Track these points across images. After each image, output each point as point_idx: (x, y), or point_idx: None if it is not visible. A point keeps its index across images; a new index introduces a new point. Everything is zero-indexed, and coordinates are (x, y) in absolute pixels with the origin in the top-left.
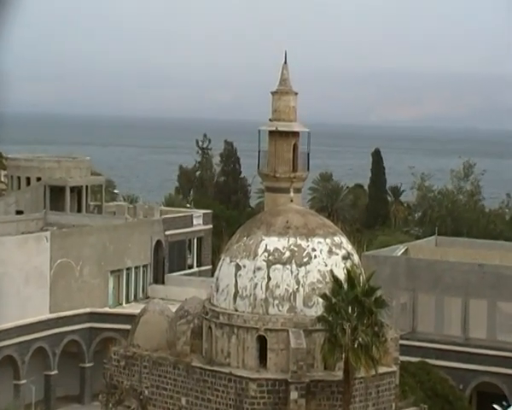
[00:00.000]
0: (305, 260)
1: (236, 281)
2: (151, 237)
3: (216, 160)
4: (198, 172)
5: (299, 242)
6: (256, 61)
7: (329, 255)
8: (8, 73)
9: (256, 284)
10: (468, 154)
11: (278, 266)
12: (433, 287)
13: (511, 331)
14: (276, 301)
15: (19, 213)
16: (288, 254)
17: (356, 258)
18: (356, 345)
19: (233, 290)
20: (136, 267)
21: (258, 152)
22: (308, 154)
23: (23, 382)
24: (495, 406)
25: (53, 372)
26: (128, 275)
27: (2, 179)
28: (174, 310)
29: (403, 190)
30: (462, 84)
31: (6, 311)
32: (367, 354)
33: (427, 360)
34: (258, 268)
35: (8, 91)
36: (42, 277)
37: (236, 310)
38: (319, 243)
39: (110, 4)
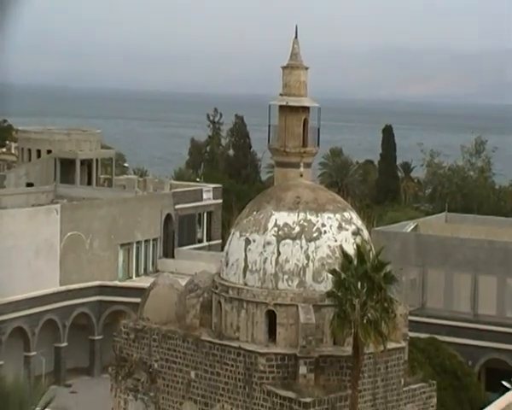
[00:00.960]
0: (314, 235)
1: (246, 255)
2: (161, 211)
3: (226, 134)
4: (208, 147)
5: (308, 217)
6: (267, 36)
7: (339, 231)
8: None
9: (266, 259)
10: (479, 130)
11: (288, 241)
12: (443, 263)
13: None
14: (286, 276)
15: (29, 185)
16: (297, 229)
17: (365, 234)
18: (365, 321)
19: (243, 265)
20: (146, 241)
21: (269, 127)
22: (318, 129)
23: (33, 354)
24: (504, 382)
25: (63, 344)
26: (138, 248)
27: (13, 151)
28: (184, 284)
29: (413, 167)
30: (474, 61)
31: (16, 283)
32: (376, 329)
33: (437, 336)
34: (268, 243)
35: (17, 63)
36: (52, 249)
37: (246, 284)
38: (329, 218)
39: None
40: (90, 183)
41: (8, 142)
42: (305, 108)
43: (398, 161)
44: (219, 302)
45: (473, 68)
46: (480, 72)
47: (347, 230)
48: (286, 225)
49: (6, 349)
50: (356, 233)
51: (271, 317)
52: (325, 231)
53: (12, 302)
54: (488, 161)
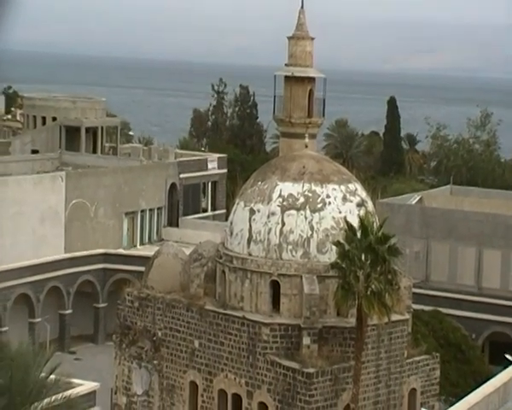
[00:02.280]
0: (319, 206)
1: (250, 226)
2: (166, 180)
3: (229, 104)
4: (213, 116)
5: (313, 188)
6: (273, 6)
7: (344, 202)
8: (21, 12)
9: (270, 229)
10: (485, 103)
11: (292, 211)
12: (447, 236)
13: None
14: (290, 247)
15: (34, 152)
16: (302, 199)
17: (370, 205)
18: (369, 292)
19: (247, 235)
20: (151, 210)
21: (274, 97)
22: (324, 100)
23: (38, 320)
24: (507, 355)
25: (67, 311)
26: (142, 217)
27: (18, 118)
28: (188, 253)
29: (418, 141)
30: (478, 34)
31: (21, 250)
32: (380, 301)
33: (440, 309)
34: (273, 213)
35: (21, 31)
36: (57, 216)
37: (250, 255)
38: (334, 189)
39: None
40: (95, 151)
41: (13, 108)
42: (311, 79)
43: (403, 134)
44: (223, 272)
45: (479, 41)
46: (486, 45)
47: (352, 201)
48: (290, 195)
49: (11, 316)
50: (360, 205)
51: (275, 287)
52: (330, 203)
53: (17, 269)
54: (493, 134)
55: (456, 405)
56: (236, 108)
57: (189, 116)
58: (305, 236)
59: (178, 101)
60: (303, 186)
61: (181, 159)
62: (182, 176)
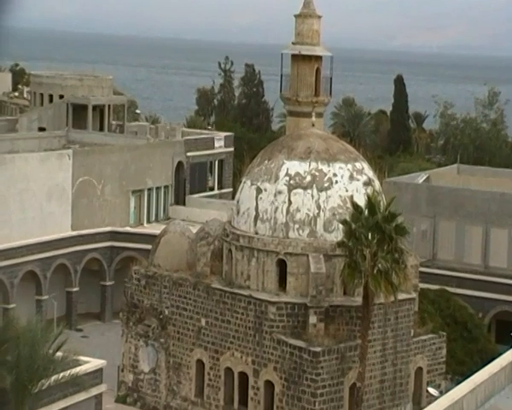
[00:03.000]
0: (326, 185)
1: (257, 204)
2: (172, 158)
3: (238, 82)
4: (220, 95)
5: (320, 166)
6: None
7: (350, 181)
8: None
9: (277, 208)
10: (493, 81)
11: (299, 190)
12: (454, 215)
13: None
14: (297, 226)
15: (41, 129)
16: (309, 178)
17: (377, 184)
18: (375, 271)
19: (253, 213)
20: (158, 188)
21: (281, 76)
22: (331, 78)
23: (45, 297)
24: None
25: (74, 289)
26: (149, 195)
27: (25, 96)
28: (195, 231)
29: (426, 116)
30: (487, 12)
31: (28, 227)
32: (386, 280)
33: (447, 288)
34: (279, 192)
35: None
36: (64, 194)
37: (257, 233)
38: (340, 168)
39: None
40: (101, 129)
41: (20, 86)
42: (318, 58)
43: (411, 112)
44: (230, 251)
45: (487, 19)
46: (495, 22)
47: (359, 180)
48: (297, 174)
49: (18, 293)
50: (367, 184)
51: (282, 266)
52: (336, 181)
53: (24, 246)
54: (501, 112)
55: (463, 384)
56: (243, 87)
57: (193, 94)
58: (311, 214)
59: (182, 79)
60: (310, 165)
61: (188, 137)
62: (189, 154)
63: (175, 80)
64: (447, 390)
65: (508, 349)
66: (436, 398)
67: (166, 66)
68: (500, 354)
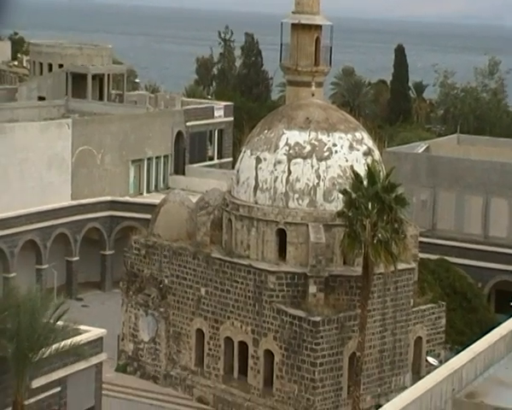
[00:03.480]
0: (325, 154)
1: (257, 174)
2: (172, 128)
3: (237, 52)
4: (220, 64)
5: (320, 136)
6: None
7: (350, 151)
8: None
9: (276, 178)
10: (494, 51)
11: (299, 160)
12: (454, 185)
13: None
14: (297, 195)
15: (41, 99)
16: (308, 148)
17: (377, 154)
18: (375, 241)
19: (253, 183)
20: (157, 157)
21: (281, 45)
22: (330, 48)
23: (45, 266)
24: None
25: (74, 258)
26: (149, 165)
27: (25, 65)
28: (194, 201)
29: (426, 86)
30: None
31: (28, 196)
32: (386, 249)
33: (447, 258)
34: (279, 162)
35: None
36: (63, 163)
37: (256, 203)
38: (340, 138)
39: None
40: (101, 98)
41: (19, 55)
42: (318, 27)
43: (411, 82)
44: (230, 220)
45: None
46: None
47: (358, 150)
48: (297, 144)
49: (18, 262)
50: (367, 153)
51: (282, 235)
52: (336, 151)
53: (24, 215)
54: (501, 82)
55: (462, 353)
56: (243, 56)
57: (191, 63)
58: (311, 184)
59: (180, 48)
60: (309, 135)
61: (187, 107)
62: (188, 124)
63: (173, 49)
64: (446, 360)
65: (507, 319)
66: (435, 367)
67: (164, 35)
68: (499, 324)
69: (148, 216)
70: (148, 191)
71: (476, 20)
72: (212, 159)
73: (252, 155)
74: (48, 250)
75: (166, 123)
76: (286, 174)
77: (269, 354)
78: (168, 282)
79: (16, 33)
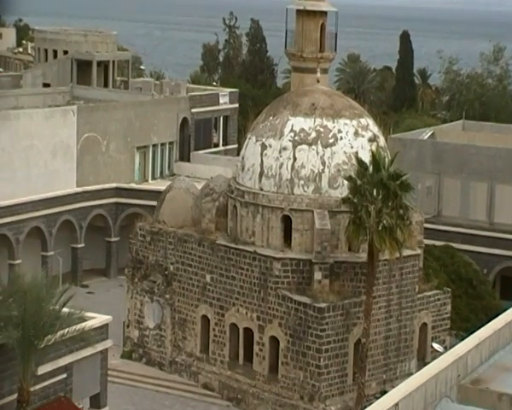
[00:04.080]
0: (330, 141)
1: (262, 160)
2: (177, 115)
3: (243, 39)
4: (225, 51)
5: (325, 123)
6: None
7: (355, 137)
8: None
9: (282, 164)
10: (499, 37)
11: (304, 146)
12: (460, 171)
13: None
14: (302, 182)
15: (45, 85)
16: (313, 134)
17: (382, 140)
18: (380, 227)
19: (258, 170)
20: (162, 144)
21: (286, 32)
22: (336, 34)
23: (50, 253)
24: None
25: (80, 245)
26: (154, 152)
27: (30, 51)
28: (199, 188)
29: (430, 73)
30: None
31: (33, 183)
32: (391, 236)
33: (452, 244)
34: (284, 148)
35: None
36: (69, 151)
37: (262, 189)
38: (345, 124)
39: None
40: (106, 85)
41: (24, 41)
42: (323, 13)
43: (416, 68)
44: (235, 207)
45: None
46: None
47: (364, 136)
48: (302, 130)
49: (24, 249)
50: (372, 140)
51: (287, 222)
52: (341, 138)
53: (29, 202)
54: (506, 68)
55: (467, 339)
56: (248, 43)
57: (195, 50)
58: (316, 171)
59: (184, 35)
60: (314, 121)
61: (192, 93)
62: (193, 110)
63: (177, 36)
64: (451, 346)
65: None
66: (441, 354)
67: (168, 22)
68: (505, 310)
69: (154, 203)
70: (154, 178)
71: (480, 5)
72: (217, 146)
73: (257, 141)
74: (53, 237)
75: (171, 110)
76: (291, 161)
77: (274, 341)
78: (173, 269)
79: (21, 20)
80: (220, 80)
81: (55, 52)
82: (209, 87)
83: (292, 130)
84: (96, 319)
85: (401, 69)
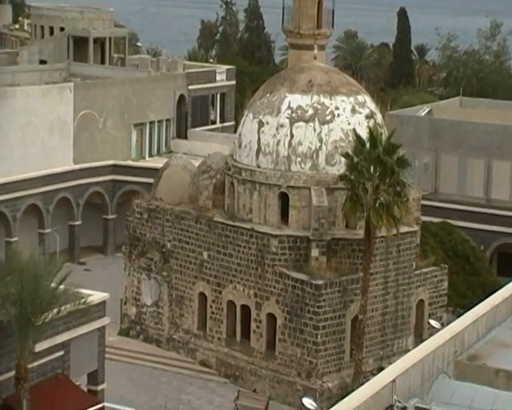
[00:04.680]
0: (328, 118)
1: (259, 137)
2: (174, 92)
3: (240, 15)
4: (221, 28)
5: (322, 100)
6: None
7: (353, 114)
8: None
9: (279, 141)
10: (496, 14)
11: (301, 123)
12: (457, 148)
13: None
14: (299, 159)
15: (42, 62)
16: (311, 111)
17: (379, 117)
18: (377, 204)
19: (256, 147)
20: (159, 121)
21: (283, 8)
22: (333, 11)
23: (47, 231)
24: None
25: (77, 223)
26: (151, 129)
27: (26, 28)
28: (197, 165)
29: (428, 49)
30: None
31: (30, 160)
32: (388, 213)
33: (449, 221)
34: (281, 125)
35: None
36: (65, 128)
37: (259, 166)
38: (342, 101)
39: None
40: (103, 62)
41: (20, 18)
42: None
43: (414, 44)
44: (232, 184)
45: None
46: None
47: (361, 113)
48: (299, 107)
49: (21, 226)
50: (369, 117)
51: (284, 199)
52: (338, 114)
53: (26, 180)
54: (504, 44)
55: (464, 316)
56: (245, 20)
57: (195, 27)
58: (313, 148)
59: (178, 11)
60: (312, 98)
61: (189, 70)
62: (190, 87)
63: (172, 12)
64: (449, 323)
65: (509, 281)
66: (437, 330)
67: None
68: (502, 287)
69: (151, 180)
70: (151, 155)
71: None
72: (214, 123)
73: (254, 118)
74: (50, 214)
75: (168, 87)
76: (288, 138)
77: (271, 318)
78: (170, 246)
79: None
80: (217, 57)
81: (52, 29)
82: (206, 64)
83: (289, 107)
84: (94, 296)
85: (398, 46)
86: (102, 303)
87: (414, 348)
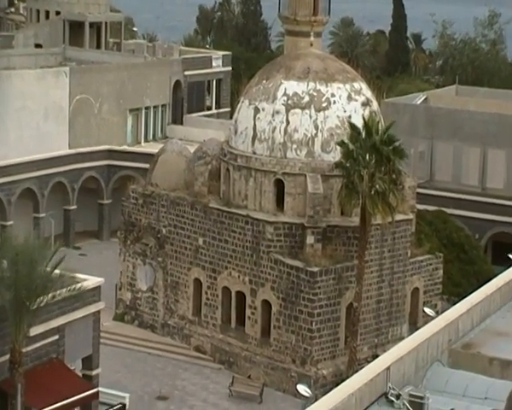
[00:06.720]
0: (323, 105)
1: (255, 124)
2: (170, 77)
3: (236, 1)
4: (218, 14)
5: (318, 87)
6: None
7: (349, 101)
8: None
9: (274, 128)
10: (493, 2)
11: (297, 110)
12: (452, 136)
13: None
14: (295, 146)
15: (37, 46)
16: (307, 98)
17: (375, 105)
18: (373, 192)
19: (251, 133)
20: (155, 107)
21: None
22: None
23: (42, 215)
24: (510, 255)
25: (72, 207)
26: (147, 114)
27: (22, 11)
28: (192, 151)
29: (424, 39)
30: None
31: (26, 145)
32: (384, 200)
33: (444, 209)
34: (277, 112)
35: None
36: (61, 112)
37: (254, 153)
38: (338, 88)
39: None
40: (98, 46)
41: (16, 1)
42: None
43: (409, 33)
44: (228, 170)
45: None
46: None
47: (357, 100)
48: (295, 94)
49: (16, 210)
50: (365, 104)
51: (279, 186)
52: (334, 102)
53: (21, 164)
54: (501, 33)
55: (459, 304)
56: (242, 6)
57: (192, 13)
58: (309, 135)
59: None
60: (308, 85)
61: (185, 56)
62: (186, 73)
63: None
64: (443, 311)
65: (504, 270)
66: (432, 318)
67: None
68: (496, 275)
69: (146, 165)
70: (146, 141)
71: None
72: (210, 109)
73: (250, 105)
74: (45, 199)
75: (164, 72)
76: (284, 124)
77: (266, 305)
78: (166, 231)
79: None
80: (213, 43)
81: (47, 13)
82: (202, 50)
83: (285, 93)
84: (89, 281)
85: (394, 33)
86: (97, 288)
87: (408, 335)
